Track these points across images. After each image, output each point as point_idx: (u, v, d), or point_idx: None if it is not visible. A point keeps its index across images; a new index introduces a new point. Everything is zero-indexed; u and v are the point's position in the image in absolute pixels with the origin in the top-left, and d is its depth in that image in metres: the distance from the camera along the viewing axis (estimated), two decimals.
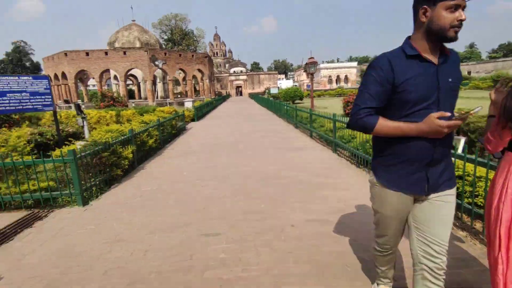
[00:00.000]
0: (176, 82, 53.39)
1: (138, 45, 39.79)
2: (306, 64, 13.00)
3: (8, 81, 6.10)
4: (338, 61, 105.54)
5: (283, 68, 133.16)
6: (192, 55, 42.09)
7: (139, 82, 42.55)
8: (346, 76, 75.84)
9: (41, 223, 3.95)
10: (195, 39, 68.57)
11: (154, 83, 37.91)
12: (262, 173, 5.85)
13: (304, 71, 79.15)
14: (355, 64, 79.70)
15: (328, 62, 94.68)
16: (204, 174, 5.99)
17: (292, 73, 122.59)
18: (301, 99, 31.54)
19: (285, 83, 74.03)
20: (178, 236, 3.37)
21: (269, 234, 3.34)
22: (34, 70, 79.05)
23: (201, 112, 19.08)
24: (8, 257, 3.12)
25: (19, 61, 77.43)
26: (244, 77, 72.75)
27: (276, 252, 2.96)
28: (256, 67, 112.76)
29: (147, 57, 34.23)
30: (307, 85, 76.78)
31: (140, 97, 42.34)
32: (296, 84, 77.53)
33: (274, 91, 42.08)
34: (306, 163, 6.46)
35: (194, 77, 44.47)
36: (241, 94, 72.62)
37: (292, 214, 3.86)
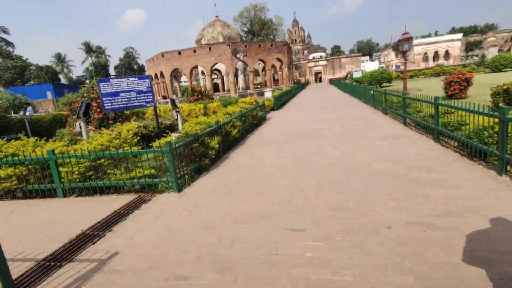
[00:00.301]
0: (256, 73, 54.84)
1: (221, 40, 42.17)
2: (399, 41, 11.46)
3: (120, 82, 7.15)
4: (436, 34, 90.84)
5: (367, 49, 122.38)
6: (271, 44, 42.36)
7: (223, 76, 45.26)
8: (446, 51, 64.95)
9: (146, 206, 4.50)
10: (274, 27, 68.75)
11: (236, 75, 39.77)
12: (348, 164, 5.42)
13: (392, 50, 71.12)
14: (459, 36, 67.43)
15: (423, 37, 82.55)
16: (285, 164, 5.90)
17: (378, 53, 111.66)
18: (389, 81, 28.38)
19: (369, 66, 67.96)
20: (263, 228, 3.36)
21: (360, 235, 3.01)
22: (140, 71, 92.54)
23: (280, 101, 19.09)
24: (123, 235, 3.63)
25: (129, 65, 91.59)
26: (324, 62, 69.71)
27: (370, 257, 2.64)
28: (336, 51, 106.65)
29: (229, 51, 36.01)
30: (396, 65, 68.87)
31: (224, 90, 45.11)
32: (383, 65, 70.33)
33: (357, 75, 39.03)
34: (401, 154, 5.70)
35: (273, 66, 44.84)
36: (320, 81, 70.03)
37: (387, 213, 3.41)
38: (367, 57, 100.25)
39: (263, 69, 46.19)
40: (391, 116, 10.44)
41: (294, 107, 18.34)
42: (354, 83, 27.01)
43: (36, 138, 6.31)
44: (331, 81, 50.90)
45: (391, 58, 73.42)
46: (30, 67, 64.05)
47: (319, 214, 3.57)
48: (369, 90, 14.80)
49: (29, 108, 13.63)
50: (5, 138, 6.43)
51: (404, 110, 8.69)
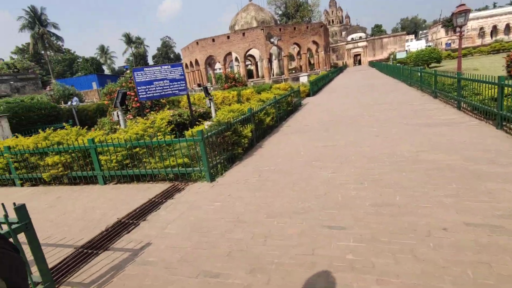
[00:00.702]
0: (291, 58, 53.41)
1: (255, 24, 41.42)
2: (452, 14, 10.15)
3: (154, 71, 7.20)
4: (495, 6, 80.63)
5: (412, 27, 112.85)
6: (307, 27, 40.70)
7: (257, 62, 44.73)
8: (507, 25, 57.55)
9: (179, 195, 4.48)
10: (310, 8, 65.87)
11: (270, 60, 39.04)
12: (393, 154, 4.92)
13: (442, 27, 64.74)
14: None
15: (478, 10, 73.79)
16: (322, 154, 5.54)
17: (424, 31, 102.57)
18: (438, 61, 25.86)
19: (415, 45, 62.79)
20: (298, 224, 3.12)
21: (409, 237, 2.65)
22: (176, 60, 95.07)
23: (316, 86, 18.32)
24: (156, 224, 3.63)
25: (166, 54, 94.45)
26: (364, 43, 65.70)
27: (423, 264, 2.29)
28: (378, 30, 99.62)
29: (263, 36, 35.27)
30: (446, 43, 62.70)
31: (258, 76, 44.69)
32: (430, 44, 64.49)
33: (401, 55, 36.20)
34: (455, 143, 5.05)
35: (308, 50, 43.25)
36: (359, 63, 66.36)
37: (442, 212, 2.98)
38: (412, 36, 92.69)
39: (298, 53, 44.75)
40: (442, 100, 9.43)
41: (331, 92, 17.50)
42: (397, 64, 25.05)
43: (78, 127, 6.61)
44: (372, 63, 48.01)
45: (440, 36, 66.94)
46: (78, 60, 68.79)
47: (361, 210, 3.23)
48: (416, 72, 13.55)
49: (75, 98, 14.57)
50: (52, 127, 6.83)
51: (458, 92, 7.74)
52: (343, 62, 63.39)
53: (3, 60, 43.11)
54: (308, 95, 16.59)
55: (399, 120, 7.46)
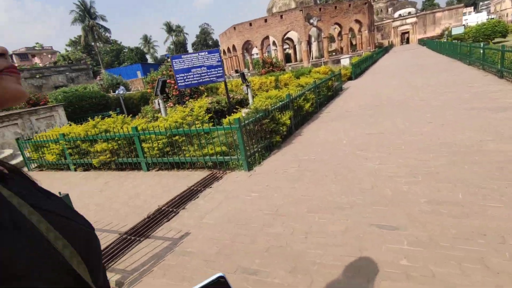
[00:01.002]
0: (331, 39, 50.89)
1: (293, 5, 39.89)
2: None
3: (191, 58, 7.19)
4: None
5: None
6: (349, 5, 38.19)
7: (295, 45, 43.38)
8: None
9: (217, 184, 4.45)
10: None
11: (309, 43, 37.59)
12: (450, 144, 4.37)
13: None
14: None
15: None
16: (367, 142, 5.12)
17: (486, 2, 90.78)
18: (503, 36, 22.75)
19: (474, 18, 56.00)
20: (342, 221, 2.88)
21: (477, 243, 2.28)
22: (215, 47, 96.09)
23: (359, 69, 17.20)
24: (194, 214, 3.63)
25: (205, 41, 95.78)
26: (413, 19, 60.10)
27: (498, 278, 1.94)
28: (429, 4, 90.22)
29: (302, 17, 33.87)
30: None
31: (296, 60, 43.44)
32: (493, 16, 56.99)
33: (457, 31, 32.46)
34: None
35: (350, 30, 40.77)
36: (407, 42, 61.13)
37: None
38: (471, 8, 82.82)
39: (339, 33, 42.44)
40: (509, 80, 8.23)
41: (375, 75, 16.32)
42: (453, 41, 22.52)
43: (124, 115, 6.89)
44: (422, 41, 43.94)
45: (506, 6, 58.80)
46: (124, 50, 72.67)
47: (415, 208, 2.88)
48: (477, 48, 11.99)
49: (121, 87, 15.39)
50: (100, 116, 7.22)
51: None
52: (389, 42, 58.90)
53: (59, 52, 47.06)
54: (350, 78, 15.65)
55: (456, 103, 6.64)
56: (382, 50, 37.32)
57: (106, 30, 58.94)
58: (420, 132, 5.14)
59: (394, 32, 61.34)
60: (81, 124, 7.13)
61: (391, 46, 52.61)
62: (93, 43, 57.35)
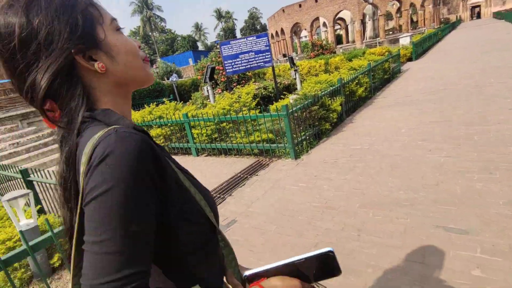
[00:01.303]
0: (388, 16, 46.70)
1: None
2: None
3: (239, 43, 7.12)
4: None
5: None
6: None
7: (347, 25, 40.82)
8: None
9: (263, 172, 4.40)
10: None
11: (362, 22, 35.01)
12: None
13: None
14: None
15: None
16: (430, 132, 4.58)
17: None
18: None
19: None
20: (401, 220, 2.61)
21: None
22: (263, 31, 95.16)
23: (421, 48, 15.50)
24: (240, 201, 3.64)
25: (253, 26, 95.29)
26: None
27: None
28: None
29: None
30: None
31: (347, 41, 40.96)
32: None
33: None
34: None
35: (411, 5, 36.86)
36: (478, 17, 53.40)
37: None
38: None
39: (398, 10, 38.73)
40: None
41: (440, 54, 14.58)
42: None
43: (175, 102, 7.18)
44: (498, 15, 38.06)
45: None
46: (177, 38, 75.90)
47: (491, 210, 2.48)
48: None
49: (174, 74, 16.10)
50: (155, 103, 7.62)
51: None
52: (456, 16, 52.06)
53: None
54: (409, 59, 14.23)
55: None
56: (449, 26, 33.21)
57: (162, 20, 62.03)
58: (497, 121, 4.43)
59: (463, 5, 53.94)
60: (139, 110, 7.62)
61: (459, 21, 46.56)
62: (150, 33, 60.90)
